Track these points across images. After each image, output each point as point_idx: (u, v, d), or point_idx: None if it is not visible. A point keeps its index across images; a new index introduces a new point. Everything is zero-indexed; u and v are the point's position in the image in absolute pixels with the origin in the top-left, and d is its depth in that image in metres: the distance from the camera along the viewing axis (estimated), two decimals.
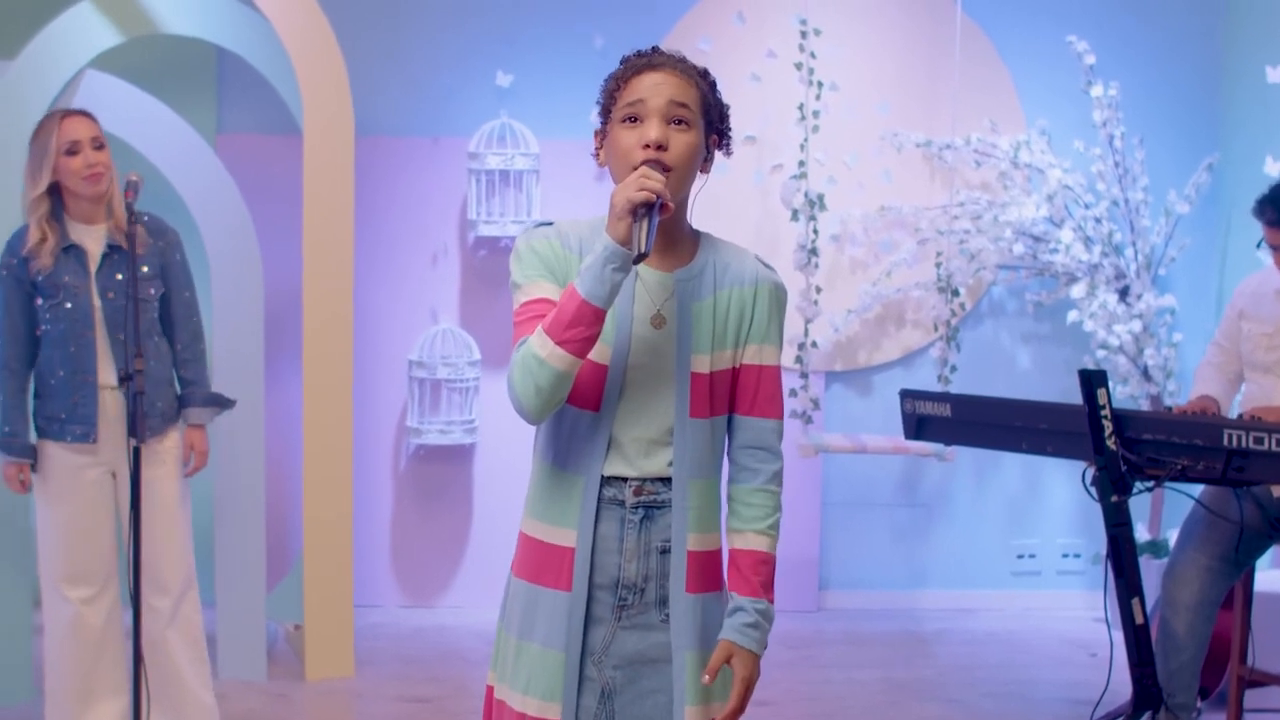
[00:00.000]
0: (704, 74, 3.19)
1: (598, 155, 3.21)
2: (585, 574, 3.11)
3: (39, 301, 5.41)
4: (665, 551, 3.13)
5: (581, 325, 2.95)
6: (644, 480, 3.12)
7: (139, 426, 5.05)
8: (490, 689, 3.24)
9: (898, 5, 7.95)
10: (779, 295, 3.24)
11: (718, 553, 3.20)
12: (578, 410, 3.10)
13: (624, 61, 3.18)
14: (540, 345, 2.97)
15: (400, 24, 7.77)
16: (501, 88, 7.74)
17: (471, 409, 7.61)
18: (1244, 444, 4.46)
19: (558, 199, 7.63)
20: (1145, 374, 7.67)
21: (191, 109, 7.00)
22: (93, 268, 5.42)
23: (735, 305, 3.18)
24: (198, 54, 7.44)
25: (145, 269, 5.46)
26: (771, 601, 3.16)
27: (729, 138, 3.23)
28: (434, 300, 7.80)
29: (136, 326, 5.17)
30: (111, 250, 5.44)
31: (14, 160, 6.13)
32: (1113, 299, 7.57)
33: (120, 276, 5.42)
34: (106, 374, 5.44)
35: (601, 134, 3.19)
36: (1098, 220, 7.69)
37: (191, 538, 5.72)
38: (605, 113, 3.16)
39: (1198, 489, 5.44)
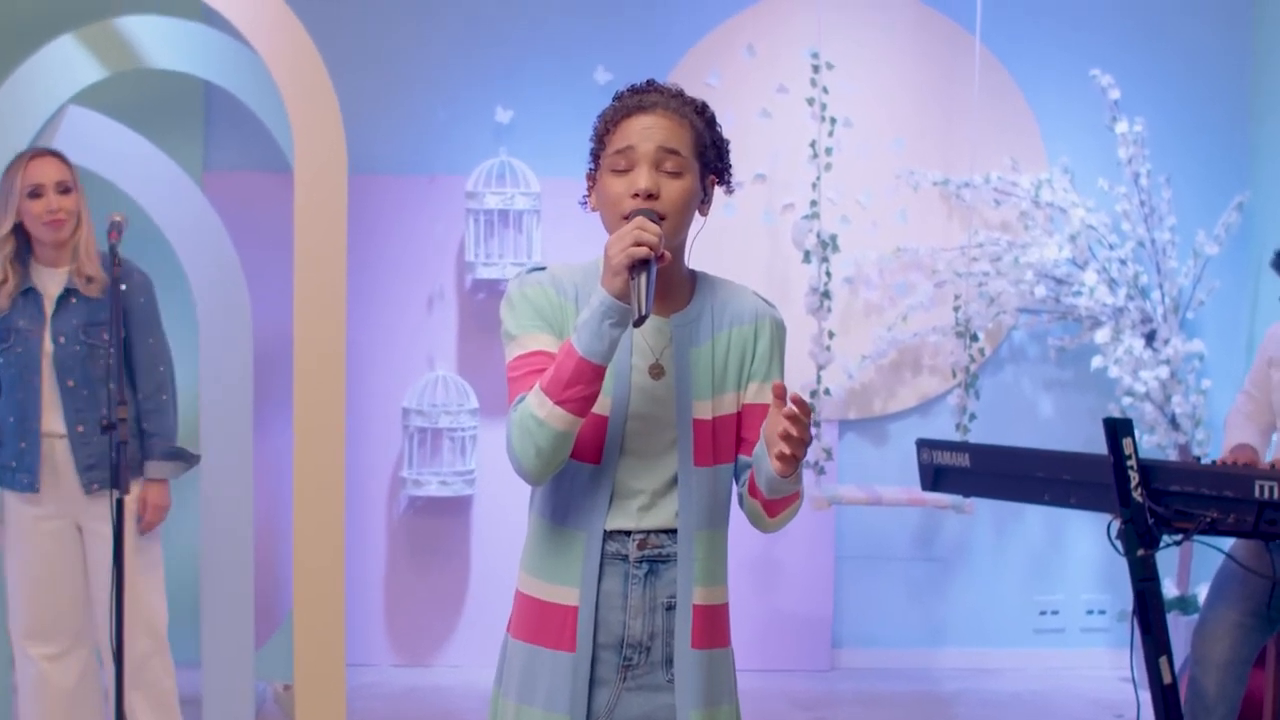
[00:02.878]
0: (701, 109, 3.18)
1: (589, 200, 3.22)
2: (589, 633, 3.11)
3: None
4: (671, 608, 3.13)
5: (581, 384, 2.96)
6: (648, 533, 3.12)
7: (121, 478, 5.06)
8: None
9: (914, 38, 7.97)
10: (779, 331, 3.25)
11: (724, 608, 3.21)
12: (578, 464, 3.10)
13: (617, 98, 3.18)
14: (539, 405, 2.97)
15: (396, 58, 7.80)
16: (501, 124, 7.76)
17: (470, 459, 7.60)
18: (1276, 496, 4.45)
19: (559, 240, 7.64)
20: (1173, 422, 7.67)
21: (178, 146, 7.01)
22: (49, 310, 5.45)
23: (736, 346, 3.19)
24: (184, 89, 7.46)
25: (104, 315, 5.47)
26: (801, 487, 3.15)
27: (729, 175, 3.23)
28: (430, 345, 7.81)
29: (120, 372, 5.18)
30: (69, 294, 5.47)
31: None
32: (1139, 344, 7.57)
33: (76, 322, 5.45)
34: (52, 422, 5.47)
35: (592, 178, 3.19)
36: (1123, 262, 7.69)
37: (159, 595, 5.71)
38: (596, 156, 3.17)
39: (1228, 542, 5.43)
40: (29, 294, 5.46)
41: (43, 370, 5.45)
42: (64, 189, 5.48)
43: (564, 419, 2.97)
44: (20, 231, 5.49)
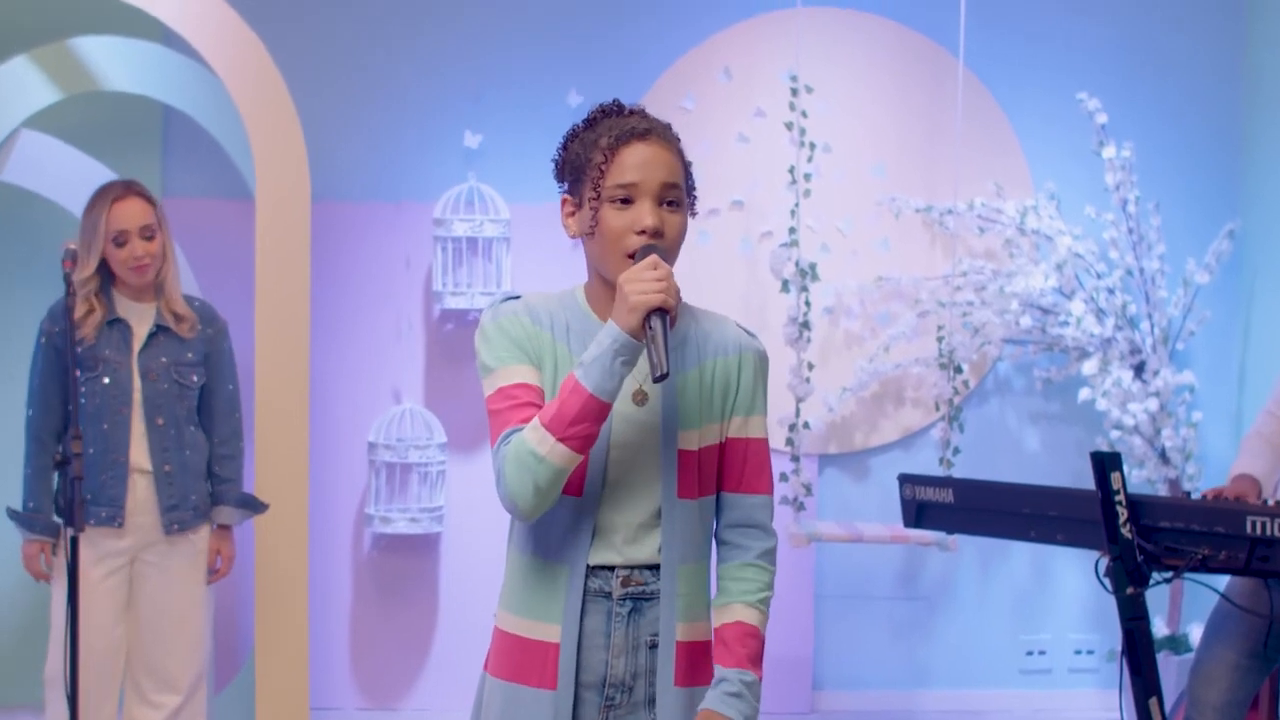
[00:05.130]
0: (668, 129, 3.20)
1: (590, 228, 3.19)
2: (571, 670, 3.13)
3: (76, 374, 5.47)
4: (654, 646, 3.15)
5: (588, 421, 2.98)
6: (631, 569, 3.13)
7: (75, 515, 5.06)
8: None
9: (895, 61, 7.99)
10: (763, 363, 3.27)
11: (708, 644, 3.22)
12: (560, 496, 3.10)
13: (591, 122, 3.17)
14: (539, 442, 2.98)
15: (361, 80, 7.79)
16: (469, 149, 7.76)
17: (438, 495, 7.58)
18: (1269, 532, 4.46)
19: (530, 269, 7.63)
20: (1163, 456, 7.67)
21: (135, 171, 6.99)
22: (136, 346, 5.58)
23: (720, 376, 3.20)
24: (142, 113, 7.45)
25: (190, 355, 5.64)
26: (759, 677, 3.18)
27: (695, 198, 3.25)
28: (396, 378, 7.79)
29: (75, 405, 5.19)
30: (159, 331, 5.57)
31: None
32: (1127, 376, 7.58)
33: (165, 360, 5.56)
34: (139, 457, 5.59)
35: (575, 203, 3.18)
36: (1111, 291, 7.71)
37: (208, 639, 5.80)
38: (584, 180, 3.15)
39: (1220, 580, 5.44)
40: (114, 325, 5.54)
41: (133, 404, 5.52)
42: (149, 235, 5.58)
43: (566, 455, 2.99)
44: (104, 264, 5.57)
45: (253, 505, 5.95)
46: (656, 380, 2.94)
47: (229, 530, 5.87)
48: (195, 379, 5.67)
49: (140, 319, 5.60)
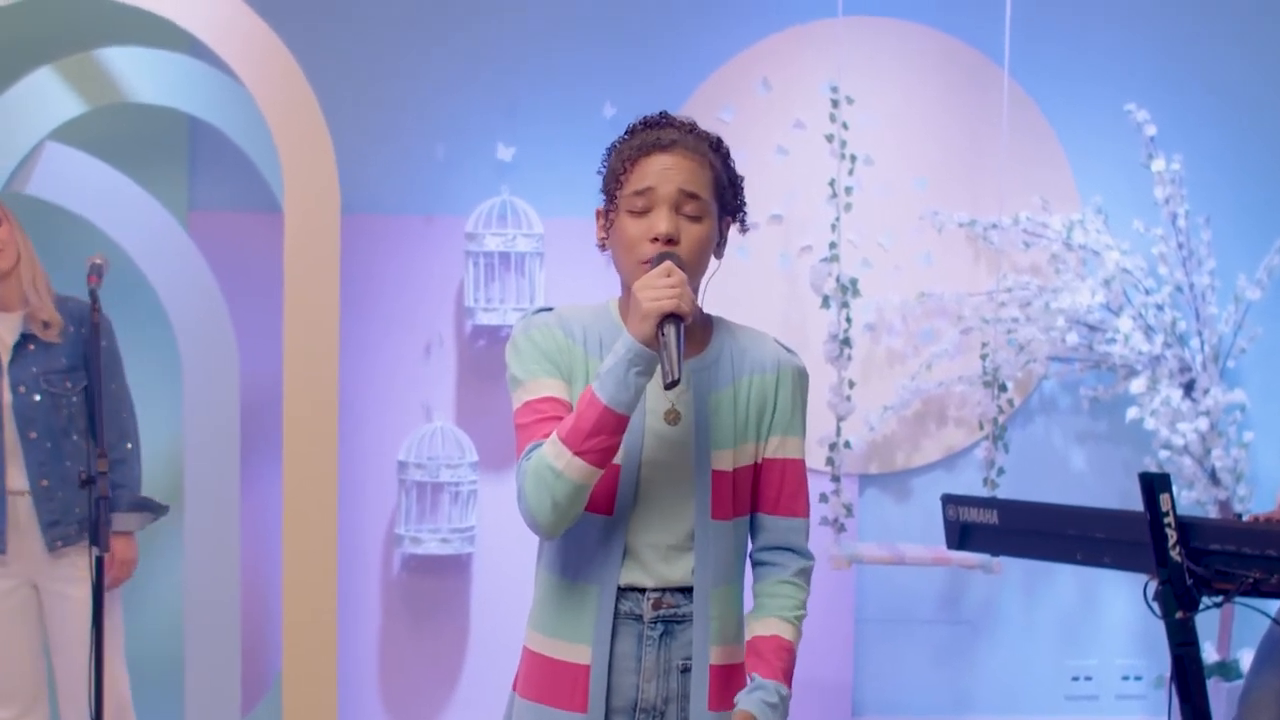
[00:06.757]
0: (717, 145, 3.20)
1: (601, 239, 3.22)
2: (602, 694, 3.13)
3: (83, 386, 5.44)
4: (686, 670, 3.14)
5: (604, 434, 2.97)
6: (663, 592, 3.13)
7: (100, 534, 5.05)
8: None
9: (938, 72, 7.97)
10: (802, 381, 3.27)
11: (741, 666, 3.22)
12: (589, 515, 3.11)
13: (630, 132, 3.19)
14: (556, 456, 2.98)
15: (391, 91, 7.79)
16: (502, 161, 7.75)
17: (470, 515, 7.57)
18: None
19: (563, 284, 7.62)
20: (1213, 477, 7.64)
21: (161, 184, 7.02)
22: (4, 359, 5.45)
23: (756, 394, 3.20)
24: (168, 124, 7.45)
25: (63, 360, 5.50)
26: (790, 693, 3.18)
27: (745, 214, 3.25)
28: (427, 395, 7.79)
29: (101, 421, 5.18)
30: (26, 339, 5.46)
31: None
32: (1176, 394, 7.55)
33: (35, 369, 5.45)
34: (16, 478, 5.47)
35: (605, 214, 3.20)
36: (1160, 307, 7.68)
37: (120, 660, 5.69)
38: (608, 192, 3.18)
39: (1272, 605, 5.42)
40: None
41: (3, 422, 5.44)
42: None
43: (583, 470, 2.98)
44: None
45: (149, 507, 5.77)
46: (666, 388, 2.93)
47: (128, 536, 5.70)
48: (70, 385, 5.55)
49: (7, 329, 5.54)
